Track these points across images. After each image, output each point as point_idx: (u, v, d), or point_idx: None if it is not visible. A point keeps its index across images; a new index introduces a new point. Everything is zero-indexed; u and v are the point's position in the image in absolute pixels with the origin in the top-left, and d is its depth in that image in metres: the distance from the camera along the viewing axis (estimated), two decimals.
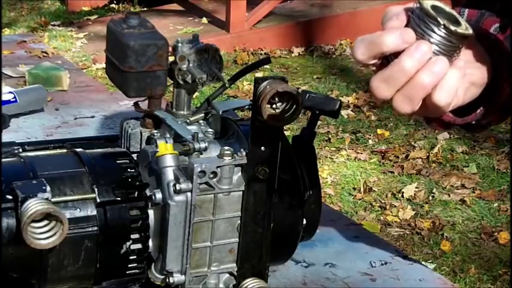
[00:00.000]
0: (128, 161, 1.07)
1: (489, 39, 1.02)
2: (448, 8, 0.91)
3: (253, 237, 1.06)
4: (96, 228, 1.01)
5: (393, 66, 0.89)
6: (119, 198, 1.02)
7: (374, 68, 0.92)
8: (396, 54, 0.90)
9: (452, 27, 0.88)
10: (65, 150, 1.10)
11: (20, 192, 0.95)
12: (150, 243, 1.05)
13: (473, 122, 1.06)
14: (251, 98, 1.01)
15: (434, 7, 0.89)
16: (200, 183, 1.02)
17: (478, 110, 1.04)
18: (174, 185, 1.01)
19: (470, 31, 0.90)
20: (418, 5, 0.89)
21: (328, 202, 3.37)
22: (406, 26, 0.90)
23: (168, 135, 1.09)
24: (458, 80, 0.90)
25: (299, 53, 5.67)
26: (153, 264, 1.06)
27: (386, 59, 0.91)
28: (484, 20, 1.04)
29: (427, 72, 0.88)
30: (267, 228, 1.06)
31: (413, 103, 0.90)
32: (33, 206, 0.92)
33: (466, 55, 0.94)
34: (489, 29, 1.02)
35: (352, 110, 4.43)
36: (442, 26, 0.88)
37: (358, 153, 3.90)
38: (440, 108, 0.91)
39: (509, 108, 1.07)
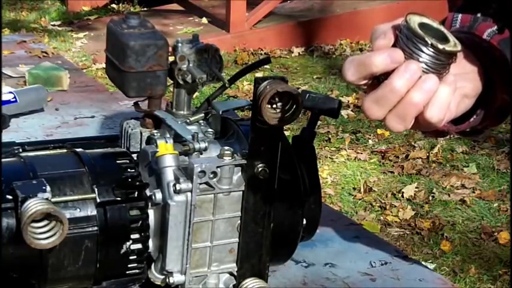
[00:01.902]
0: (128, 161, 1.07)
1: (481, 47, 1.01)
2: (435, 24, 0.91)
3: (253, 237, 1.06)
4: (96, 228, 1.01)
5: (384, 87, 0.90)
6: (119, 198, 1.02)
7: (366, 87, 0.93)
8: (386, 74, 0.90)
9: (440, 46, 0.88)
10: (65, 150, 1.10)
11: (20, 192, 0.95)
12: (150, 243, 1.05)
13: (468, 129, 1.07)
14: (251, 98, 1.01)
15: (421, 25, 0.89)
16: (200, 183, 1.02)
17: (472, 119, 1.04)
18: (174, 185, 1.01)
19: (459, 47, 0.90)
20: (405, 23, 0.89)
21: (328, 202, 3.36)
22: (394, 44, 0.91)
23: (168, 135, 1.09)
24: (450, 96, 0.91)
25: (299, 53, 5.67)
26: (153, 264, 1.06)
27: (377, 79, 0.91)
28: (478, 26, 1.04)
29: (418, 90, 0.89)
30: (267, 228, 1.06)
31: (406, 122, 0.91)
32: (33, 206, 0.92)
33: (457, 68, 0.94)
34: (483, 35, 1.02)
35: (352, 110, 4.43)
36: (430, 45, 0.88)
37: (358, 153, 3.90)
38: (433, 125, 0.92)
39: (505, 113, 1.07)
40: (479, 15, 1.05)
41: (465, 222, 3.26)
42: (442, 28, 0.91)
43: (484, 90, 1.01)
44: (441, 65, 0.89)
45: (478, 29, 1.03)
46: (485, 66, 1.00)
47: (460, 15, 1.06)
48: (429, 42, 0.88)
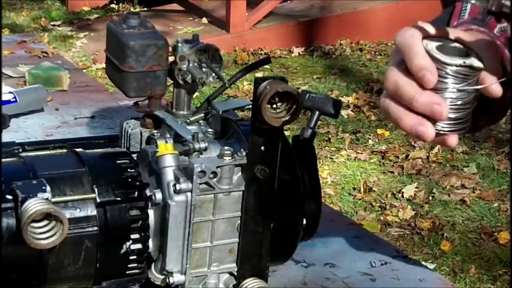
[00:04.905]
0: (128, 161, 1.07)
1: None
2: (453, 44, 0.91)
3: (253, 237, 1.06)
4: (96, 228, 1.01)
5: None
6: (119, 198, 1.02)
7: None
8: None
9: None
10: (65, 150, 1.10)
11: (20, 192, 0.95)
12: (150, 243, 1.05)
13: None
14: (251, 98, 1.01)
15: (440, 47, 0.90)
16: (200, 183, 1.02)
17: None
18: (174, 185, 1.01)
19: (481, 65, 0.90)
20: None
21: (328, 202, 3.36)
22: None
23: (168, 135, 1.09)
24: None
25: (299, 53, 5.67)
26: (153, 264, 1.06)
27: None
28: (489, 21, 1.03)
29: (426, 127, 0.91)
30: (267, 228, 1.06)
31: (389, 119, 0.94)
32: (33, 206, 0.92)
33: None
34: (493, 30, 1.01)
35: (352, 110, 4.43)
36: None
37: (358, 153, 3.90)
38: None
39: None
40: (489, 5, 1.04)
41: (465, 222, 3.26)
42: (460, 46, 0.91)
43: None
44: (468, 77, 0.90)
45: (489, 23, 1.02)
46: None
47: (469, 5, 1.05)
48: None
